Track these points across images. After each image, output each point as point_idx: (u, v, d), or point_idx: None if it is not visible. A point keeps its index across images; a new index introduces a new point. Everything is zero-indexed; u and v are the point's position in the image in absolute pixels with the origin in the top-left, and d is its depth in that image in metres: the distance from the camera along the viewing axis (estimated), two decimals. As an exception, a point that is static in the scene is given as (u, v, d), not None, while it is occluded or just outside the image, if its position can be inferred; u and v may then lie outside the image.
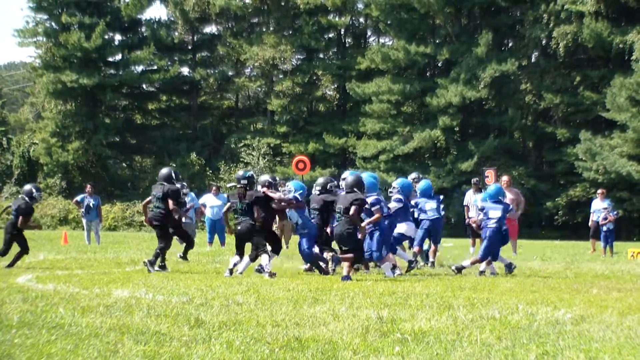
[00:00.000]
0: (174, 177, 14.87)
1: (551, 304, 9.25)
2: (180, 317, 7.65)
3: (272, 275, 12.92)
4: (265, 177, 14.30)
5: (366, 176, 14.53)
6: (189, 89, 63.41)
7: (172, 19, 63.35)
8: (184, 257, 16.53)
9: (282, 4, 59.58)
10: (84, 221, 27.16)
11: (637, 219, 45.27)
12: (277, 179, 15.23)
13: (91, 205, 26.09)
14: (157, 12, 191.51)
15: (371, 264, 14.94)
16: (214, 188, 25.29)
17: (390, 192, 15.29)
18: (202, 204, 24.52)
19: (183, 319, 7.48)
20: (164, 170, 15.16)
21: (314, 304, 8.92)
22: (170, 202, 14.55)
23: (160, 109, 64.06)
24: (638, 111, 42.07)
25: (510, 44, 54.98)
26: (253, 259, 13.68)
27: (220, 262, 16.50)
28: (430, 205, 16.34)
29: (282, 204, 13.89)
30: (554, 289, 11.44)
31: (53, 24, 59.56)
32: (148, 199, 15.11)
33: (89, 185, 27.60)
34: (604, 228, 24.46)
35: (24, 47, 64.90)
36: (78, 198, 26.90)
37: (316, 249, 14.44)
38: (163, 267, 14.52)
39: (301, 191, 14.51)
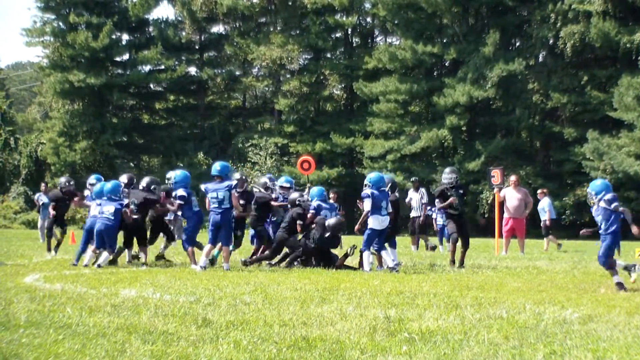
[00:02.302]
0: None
1: (558, 303, 9.24)
2: (187, 316, 7.66)
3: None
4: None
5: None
6: (196, 88, 63.48)
7: (180, 18, 63.48)
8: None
9: (290, 3, 59.62)
10: (39, 218, 27.89)
11: (645, 218, 45.14)
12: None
13: (44, 203, 26.59)
14: (164, 11, 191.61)
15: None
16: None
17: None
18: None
19: (190, 319, 7.49)
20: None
21: (321, 303, 8.92)
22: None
23: (168, 109, 64.14)
24: (646, 110, 42.02)
25: (517, 44, 54.89)
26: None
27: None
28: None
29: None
30: (562, 288, 11.43)
31: (60, 23, 59.70)
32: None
33: (43, 184, 28.24)
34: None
35: (32, 46, 65.20)
36: (35, 196, 27.79)
37: None
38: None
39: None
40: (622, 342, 6.59)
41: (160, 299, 9.06)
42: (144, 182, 16.26)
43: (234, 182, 14.61)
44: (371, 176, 15.01)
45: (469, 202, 46.70)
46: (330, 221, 15.30)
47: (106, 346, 6.13)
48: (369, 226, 14.59)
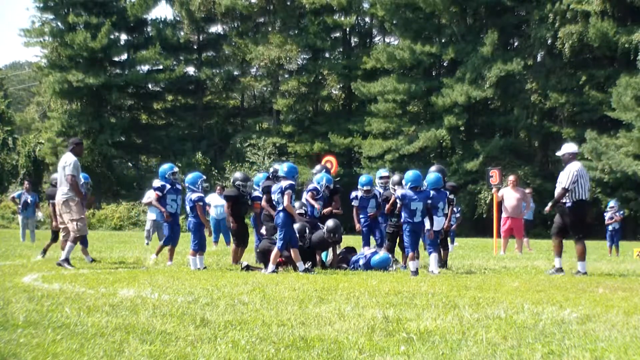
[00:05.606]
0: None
1: (557, 303, 9.23)
2: (186, 316, 7.65)
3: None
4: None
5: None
6: (195, 88, 63.51)
7: (178, 18, 63.53)
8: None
9: (288, 3, 59.69)
10: (19, 218, 27.72)
11: (643, 218, 45.16)
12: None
13: (29, 202, 26.46)
14: (162, 11, 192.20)
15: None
16: (218, 188, 25.35)
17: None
18: (207, 203, 24.46)
19: (189, 319, 7.48)
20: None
21: (319, 303, 8.91)
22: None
23: (166, 109, 64.18)
24: (644, 111, 42.04)
25: (515, 44, 54.96)
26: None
27: (226, 262, 16.51)
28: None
29: None
30: (560, 288, 11.42)
31: (59, 23, 59.74)
32: None
33: (26, 182, 28.11)
34: (610, 228, 24.39)
35: (30, 46, 65.29)
36: (15, 194, 27.62)
37: None
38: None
39: None
40: (620, 342, 6.59)
41: (159, 299, 9.05)
42: (238, 177, 15.99)
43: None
44: (430, 177, 14.66)
45: (468, 202, 46.72)
46: (329, 223, 15.18)
47: (104, 346, 6.12)
48: (426, 227, 14.29)
